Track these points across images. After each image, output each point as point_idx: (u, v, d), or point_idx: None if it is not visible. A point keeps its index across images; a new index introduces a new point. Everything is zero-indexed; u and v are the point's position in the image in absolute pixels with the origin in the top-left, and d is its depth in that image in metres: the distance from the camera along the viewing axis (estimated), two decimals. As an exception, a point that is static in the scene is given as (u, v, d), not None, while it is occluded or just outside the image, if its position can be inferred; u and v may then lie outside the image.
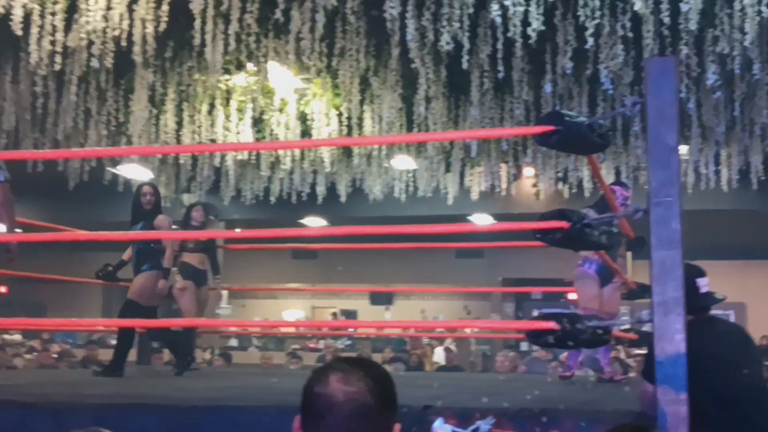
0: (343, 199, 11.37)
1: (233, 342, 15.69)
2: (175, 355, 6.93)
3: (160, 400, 3.92)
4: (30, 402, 3.79)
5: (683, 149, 10.01)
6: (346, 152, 10.50)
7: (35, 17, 6.89)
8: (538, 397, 4.46)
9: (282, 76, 8.46)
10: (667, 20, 6.23)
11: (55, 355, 11.15)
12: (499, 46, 6.60)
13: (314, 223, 13.69)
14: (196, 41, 7.10)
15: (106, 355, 13.73)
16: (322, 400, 1.48)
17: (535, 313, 4.73)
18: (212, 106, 9.30)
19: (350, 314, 19.41)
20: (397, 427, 1.52)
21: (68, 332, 15.20)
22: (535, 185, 10.95)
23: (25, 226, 8.03)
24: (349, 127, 9.21)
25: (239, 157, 10.32)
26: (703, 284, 3.67)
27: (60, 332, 15.00)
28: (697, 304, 3.49)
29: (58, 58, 7.16)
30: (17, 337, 14.93)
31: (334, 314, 19.71)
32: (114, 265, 6.43)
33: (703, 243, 16.65)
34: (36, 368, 10.23)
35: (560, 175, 10.67)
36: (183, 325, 6.60)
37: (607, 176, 10.62)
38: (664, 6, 6.15)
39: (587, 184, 10.31)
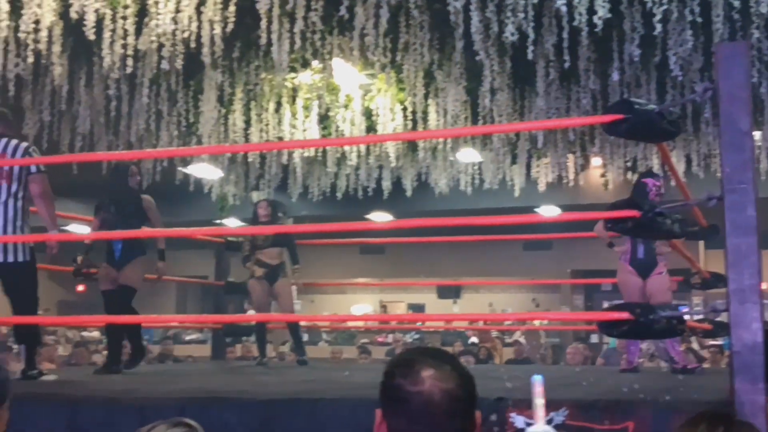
0: (409, 193, 11.40)
1: (303, 337, 15.87)
2: (260, 348, 7.14)
3: (240, 394, 4.01)
4: (114, 398, 3.94)
5: (756, 135, 9.71)
6: (412, 146, 10.53)
7: (107, 22, 7.11)
8: (612, 388, 4.42)
9: (347, 73, 8.53)
10: (737, 4, 6.06)
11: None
12: (565, 35, 6.51)
13: (381, 218, 13.76)
14: (263, 41, 7.21)
15: (180, 351, 14.12)
16: (416, 398, 1.46)
17: (606, 304, 4.68)
18: (279, 104, 9.44)
19: (418, 308, 19.46)
20: (478, 414, 1.54)
21: (145, 329, 15.63)
22: (603, 175, 10.78)
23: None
24: (414, 121, 9.23)
25: (306, 154, 10.45)
26: None
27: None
28: None
29: (129, 62, 7.38)
30: (96, 334, 15.46)
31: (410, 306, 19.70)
32: (82, 257, 6.17)
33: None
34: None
35: (629, 164, 10.47)
36: (251, 320, 6.73)
37: (678, 164, 10.38)
38: (735, -12, 5.98)
39: (658, 172, 10.09)
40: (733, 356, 3.04)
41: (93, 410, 3.76)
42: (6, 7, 6.85)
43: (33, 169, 5.00)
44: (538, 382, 1.86)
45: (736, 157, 3.24)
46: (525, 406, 3.29)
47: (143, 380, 5.46)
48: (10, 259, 4.90)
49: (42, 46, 7.11)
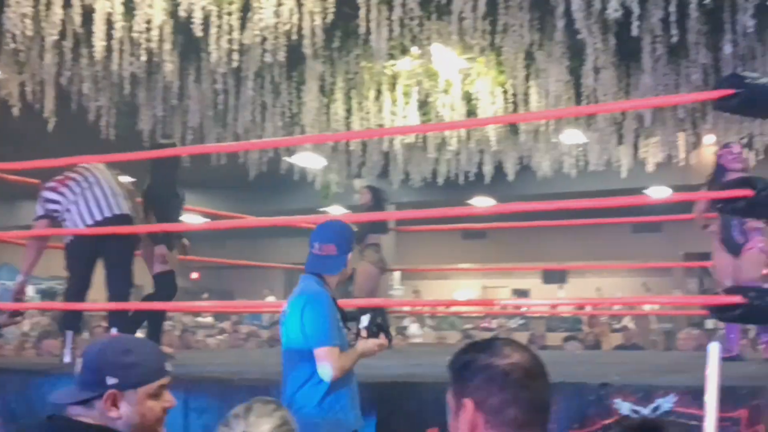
0: (511, 177, 11.27)
1: (406, 322, 16.02)
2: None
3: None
4: (227, 379, 4.10)
5: None
6: (513, 129, 10.39)
7: (213, 18, 7.34)
8: (725, 376, 4.24)
9: (446, 58, 8.50)
10: None
11: (243, 336, 11.87)
12: (672, 8, 6.27)
13: (483, 202, 13.67)
14: (362, 29, 7.28)
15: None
16: (513, 369, 1.46)
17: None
18: (379, 92, 9.50)
19: (522, 293, 19.24)
20: None
21: (255, 315, 16.15)
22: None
23: (211, 216, 8.61)
24: (515, 104, 9.11)
25: (406, 140, 10.48)
26: None
27: (248, 315, 15.97)
28: None
29: (235, 56, 7.59)
30: (209, 319, 16.07)
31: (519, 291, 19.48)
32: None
33: None
34: (227, 348, 10.95)
35: (745, 141, 10.00)
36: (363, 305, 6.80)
37: (797, 140, 9.86)
38: None
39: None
40: None
41: (208, 390, 3.91)
42: (120, 8, 7.17)
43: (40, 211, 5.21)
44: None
45: None
46: (630, 391, 3.22)
47: (253, 362, 5.63)
48: None
49: (154, 45, 7.41)
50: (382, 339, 3.40)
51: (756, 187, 3.32)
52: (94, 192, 5.10)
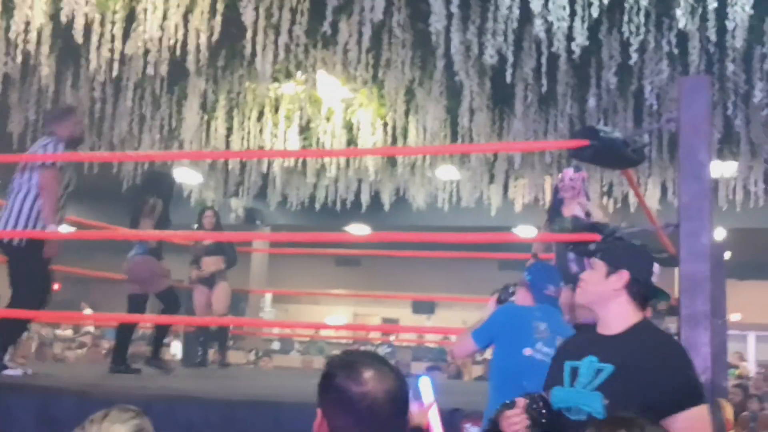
0: (386, 207, 11.51)
1: (275, 345, 15.92)
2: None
3: (204, 394, 4.09)
4: (84, 391, 4.01)
5: (733, 166, 9.92)
6: (391, 161, 10.66)
7: (96, 26, 7.18)
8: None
9: (329, 86, 8.64)
10: (713, 37, 6.22)
11: (104, 351, 11.48)
12: (543, 60, 6.66)
13: (358, 230, 13.85)
14: (247, 51, 7.32)
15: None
16: (361, 398, 1.50)
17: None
18: (261, 113, 9.54)
19: (392, 322, 19.52)
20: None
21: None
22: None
23: (79, 225, 8.34)
24: (394, 136, 9.35)
25: (286, 163, 10.54)
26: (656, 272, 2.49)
27: (110, 329, 15.38)
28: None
29: (115, 65, 7.45)
30: (69, 332, 15.40)
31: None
32: None
33: (752, 261, 16.39)
34: (87, 363, 10.55)
35: (605, 188, 10.65)
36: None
37: (653, 190, 10.59)
38: (710, 23, 6.15)
39: (633, 199, 10.28)
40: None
41: (64, 401, 3.82)
42: (-3, 7, 6.92)
43: (44, 163, 4.98)
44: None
45: (694, 187, 3.38)
46: (478, 417, 3.40)
47: (112, 377, 5.50)
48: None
49: (31, 47, 7.16)
50: None
51: (603, 233, 3.60)
52: None
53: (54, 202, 4.86)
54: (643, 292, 2.33)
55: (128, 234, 6.15)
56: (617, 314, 2.29)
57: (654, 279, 2.39)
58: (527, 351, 3.25)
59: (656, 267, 2.40)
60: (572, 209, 4.98)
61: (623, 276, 2.29)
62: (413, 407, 1.74)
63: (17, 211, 4.86)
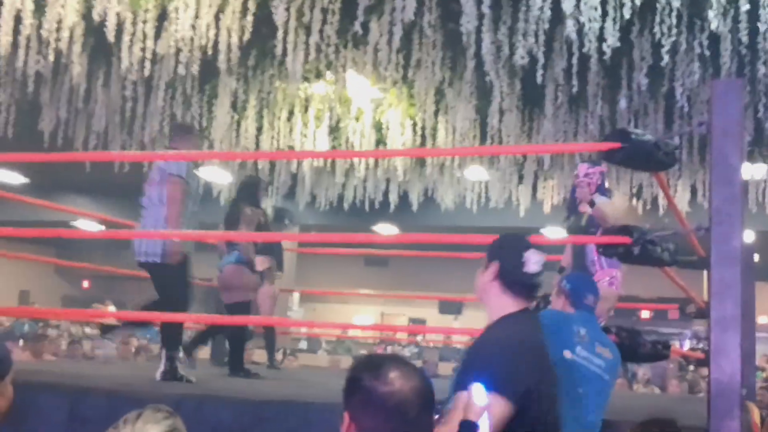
0: (415, 207, 11.51)
1: (302, 344, 15.99)
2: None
3: (234, 393, 4.12)
4: (114, 390, 4.05)
5: (762, 169, 9.79)
6: (420, 162, 10.65)
7: (127, 25, 7.27)
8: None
9: (359, 86, 8.66)
10: (745, 39, 6.16)
11: (133, 349, 11.59)
12: (574, 61, 6.62)
13: (386, 230, 13.86)
14: (278, 50, 7.36)
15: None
16: (389, 397, 1.52)
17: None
18: (291, 113, 9.58)
19: (419, 322, 19.52)
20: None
21: (147, 328, 15.69)
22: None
23: (108, 224, 8.44)
24: (423, 137, 9.35)
25: (315, 163, 10.58)
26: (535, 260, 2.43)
27: (140, 328, 15.50)
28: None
29: (147, 64, 7.53)
30: (98, 331, 15.56)
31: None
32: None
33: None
34: (116, 361, 10.67)
35: (635, 190, 10.56)
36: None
37: (683, 193, 10.48)
38: (742, 25, 6.08)
39: (662, 201, 10.19)
40: (711, 383, 3.14)
41: (94, 401, 3.86)
42: (30, 5, 7.01)
43: (169, 172, 5.11)
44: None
45: (725, 191, 3.35)
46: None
47: (142, 376, 5.56)
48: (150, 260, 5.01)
49: (63, 45, 7.27)
50: None
51: (633, 236, 3.57)
52: None
53: (178, 213, 5.01)
54: (517, 281, 2.34)
55: (154, 234, 6.14)
56: (494, 306, 2.38)
57: (534, 267, 2.35)
58: (567, 354, 3.24)
59: (533, 254, 2.39)
60: (585, 207, 4.97)
61: (493, 267, 2.37)
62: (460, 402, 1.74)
63: (152, 227, 5.04)
